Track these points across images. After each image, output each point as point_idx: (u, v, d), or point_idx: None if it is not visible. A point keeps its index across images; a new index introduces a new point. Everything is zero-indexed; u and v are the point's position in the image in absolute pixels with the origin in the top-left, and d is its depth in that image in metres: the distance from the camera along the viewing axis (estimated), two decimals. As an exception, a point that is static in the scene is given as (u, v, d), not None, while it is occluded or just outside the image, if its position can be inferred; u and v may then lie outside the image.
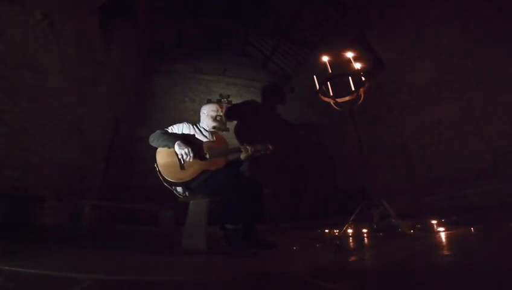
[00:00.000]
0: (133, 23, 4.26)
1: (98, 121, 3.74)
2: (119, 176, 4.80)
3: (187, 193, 1.95)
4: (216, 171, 1.88)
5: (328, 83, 2.56)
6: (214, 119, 2.18)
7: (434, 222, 1.98)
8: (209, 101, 6.40)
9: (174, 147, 1.83)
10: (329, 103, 2.60)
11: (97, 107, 3.66)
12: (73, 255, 1.51)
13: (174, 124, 2.14)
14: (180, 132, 2.07)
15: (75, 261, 1.34)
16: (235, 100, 6.72)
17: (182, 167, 1.84)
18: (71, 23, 2.72)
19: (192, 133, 2.10)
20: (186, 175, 1.83)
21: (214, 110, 2.20)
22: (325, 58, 2.59)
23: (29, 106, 2.31)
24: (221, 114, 2.23)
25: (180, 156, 1.83)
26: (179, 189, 1.94)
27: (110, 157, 4.26)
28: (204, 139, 2.08)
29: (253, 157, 2.07)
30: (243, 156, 2.01)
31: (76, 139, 3.18)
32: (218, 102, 6.35)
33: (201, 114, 2.27)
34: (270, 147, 2.07)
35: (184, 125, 2.12)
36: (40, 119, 2.47)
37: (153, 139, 1.93)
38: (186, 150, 1.80)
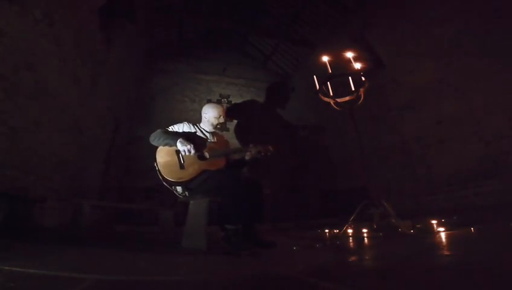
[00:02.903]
0: (133, 23, 4.25)
1: (98, 121, 3.74)
2: (119, 176, 4.80)
3: (187, 193, 1.95)
4: (216, 172, 1.88)
5: (328, 83, 2.56)
6: (215, 127, 2.16)
7: (434, 222, 1.98)
8: (209, 101, 6.40)
9: (175, 145, 1.83)
10: (329, 103, 2.60)
11: (97, 107, 3.65)
12: (73, 255, 1.51)
13: (174, 124, 2.13)
14: (181, 131, 2.07)
15: (75, 261, 1.34)
16: (235, 100, 6.72)
17: (181, 166, 1.84)
18: (71, 23, 2.72)
19: (193, 132, 2.10)
20: (186, 175, 1.83)
21: (215, 117, 2.14)
22: (325, 58, 2.58)
23: (29, 106, 2.31)
24: (223, 121, 2.18)
25: (182, 153, 1.83)
26: (179, 189, 1.94)
27: (110, 157, 4.26)
28: None
29: (255, 159, 2.07)
30: (247, 156, 2.02)
31: (76, 139, 3.18)
32: (219, 102, 6.33)
33: (202, 115, 2.21)
34: (271, 148, 2.06)
35: (185, 124, 2.11)
36: (40, 119, 2.47)
37: (154, 138, 1.92)
38: (188, 146, 1.81)
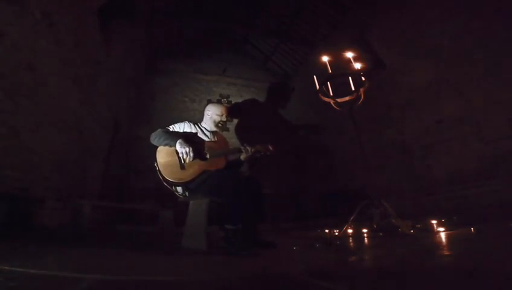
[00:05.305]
0: (133, 23, 4.26)
1: (98, 121, 3.74)
2: (119, 176, 4.81)
3: (187, 193, 1.95)
4: (216, 172, 1.87)
5: (328, 83, 2.56)
6: (216, 124, 2.16)
7: (434, 222, 1.98)
8: (209, 101, 6.40)
9: (175, 146, 1.82)
10: (329, 103, 2.60)
11: (97, 107, 3.66)
12: (73, 255, 1.51)
13: (174, 123, 2.12)
14: (182, 131, 2.05)
15: (75, 261, 1.34)
16: (235, 100, 6.72)
17: (182, 166, 1.83)
18: (71, 23, 2.72)
19: (193, 132, 2.08)
20: (186, 175, 1.82)
21: (218, 115, 2.15)
22: (325, 58, 2.59)
23: (29, 106, 2.31)
24: (225, 120, 2.19)
25: (180, 155, 1.81)
26: (179, 189, 1.93)
27: (110, 157, 4.26)
28: (205, 139, 2.07)
29: (254, 158, 2.05)
30: (243, 156, 2.00)
31: (76, 139, 3.18)
32: (219, 102, 6.34)
33: (205, 113, 2.21)
34: (270, 147, 2.05)
35: (186, 124, 2.10)
36: (40, 119, 2.47)
37: (155, 138, 1.90)
38: (187, 149, 1.79)
